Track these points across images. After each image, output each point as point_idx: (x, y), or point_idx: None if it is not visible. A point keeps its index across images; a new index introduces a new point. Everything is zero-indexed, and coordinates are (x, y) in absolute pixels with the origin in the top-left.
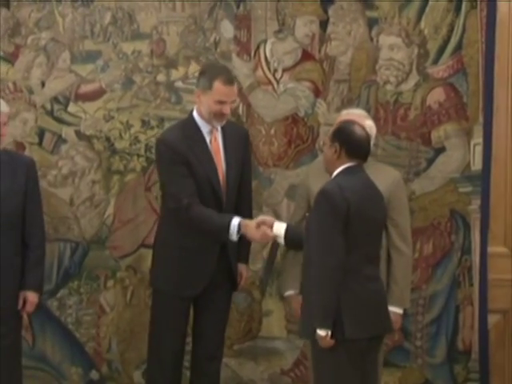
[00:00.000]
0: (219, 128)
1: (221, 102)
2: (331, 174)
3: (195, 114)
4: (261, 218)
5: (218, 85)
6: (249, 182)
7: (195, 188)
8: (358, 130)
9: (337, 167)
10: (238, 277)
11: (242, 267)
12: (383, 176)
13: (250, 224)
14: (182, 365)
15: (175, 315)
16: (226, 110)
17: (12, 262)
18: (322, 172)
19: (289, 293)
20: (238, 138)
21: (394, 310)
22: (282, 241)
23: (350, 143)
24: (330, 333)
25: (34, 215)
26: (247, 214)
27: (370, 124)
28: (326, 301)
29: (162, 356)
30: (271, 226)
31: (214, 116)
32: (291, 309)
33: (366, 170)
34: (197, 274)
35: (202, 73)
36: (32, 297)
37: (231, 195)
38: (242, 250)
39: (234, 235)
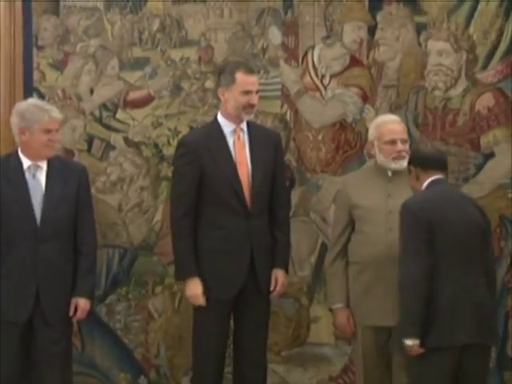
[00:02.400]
0: (245, 129)
1: (247, 92)
2: None
3: (219, 115)
4: None
5: (240, 76)
6: (283, 187)
7: (193, 198)
8: (422, 147)
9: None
10: (266, 283)
11: (278, 272)
12: None
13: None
14: (224, 370)
15: (214, 320)
16: (254, 99)
17: (64, 268)
18: (363, 181)
19: (337, 306)
20: (268, 141)
21: None
22: None
23: (420, 159)
24: (417, 342)
25: (86, 222)
26: (283, 219)
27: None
28: (412, 310)
29: (205, 362)
30: None
31: (243, 109)
32: (337, 322)
33: (403, 173)
34: (231, 276)
35: (221, 71)
36: (84, 304)
37: (258, 197)
38: (279, 254)
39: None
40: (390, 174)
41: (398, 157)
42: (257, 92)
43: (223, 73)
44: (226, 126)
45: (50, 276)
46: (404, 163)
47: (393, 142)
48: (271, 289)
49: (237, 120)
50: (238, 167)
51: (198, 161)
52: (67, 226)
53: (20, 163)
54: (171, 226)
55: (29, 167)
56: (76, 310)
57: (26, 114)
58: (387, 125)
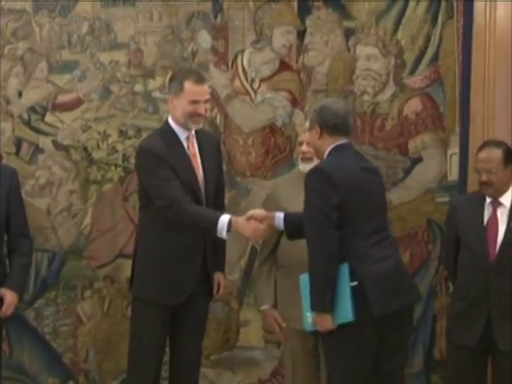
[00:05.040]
0: (194, 134)
1: (194, 102)
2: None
3: (171, 121)
4: (250, 212)
5: (189, 85)
6: (222, 190)
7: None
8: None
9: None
10: (214, 286)
11: (219, 276)
12: None
13: (241, 220)
14: (160, 376)
15: (156, 324)
16: (201, 109)
17: None
18: (291, 185)
19: (263, 307)
20: (212, 145)
21: None
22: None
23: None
24: None
25: (19, 224)
26: None
27: None
28: None
29: (143, 366)
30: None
31: (190, 117)
32: (265, 323)
33: None
34: (181, 283)
35: (172, 78)
36: (11, 297)
37: (210, 200)
38: (218, 258)
39: (223, 231)
40: None
41: (303, 158)
42: (205, 102)
43: (173, 80)
44: (181, 133)
45: None
46: (306, 166)
47: (300, 144)
48: (214, 292)
49: (185, 127)
50: (196, 173)
51: (170, 165)
52: None
53: None
54: (174, 211)
55: None
56: (2, 303)
57: None
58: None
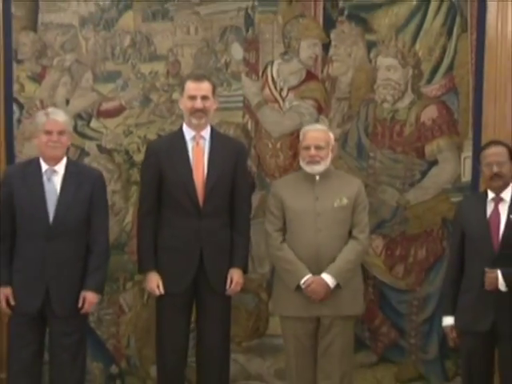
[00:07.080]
0: (207, 137)
1: (191, 97)
2: None
3: (184, 123)
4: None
5: (187, 83)
6: (242, 192)
7: (153, 198)
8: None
9: None
10: (217, 280)
11: (233, 272)
12: (348, 184)
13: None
14: (185, 363)
15: (168, 312)
16: (197, 104)
17: (74, 265)
18: (293, 184)
19: (308, 277)
20: (230, 149)
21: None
22: None
23: None
24: None
25: (98, 224)
26: (241, 223)
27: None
28: None
29: (163, 353)
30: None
31: (190, 114)
32: (316, 288)
33: (329, 178)
34: (180, 272)
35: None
36: (91, 297)
37: (212, 199)
38: (235, 255)
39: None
40: (317, 178)
41: (311, 161)
42: (204, 98)
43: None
44: (188, 133)
45: (60, 272)
46: (316, 168)
47: (307, 148)
48: (227, 287)
49: (192, 126)
50: (194, 171)
51: (158, 164)
52: (78, 226)
53: (39, 167)
54: (137, 223)
55: (46, 171)
56: (84, 303)
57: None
58: (307, 132)
